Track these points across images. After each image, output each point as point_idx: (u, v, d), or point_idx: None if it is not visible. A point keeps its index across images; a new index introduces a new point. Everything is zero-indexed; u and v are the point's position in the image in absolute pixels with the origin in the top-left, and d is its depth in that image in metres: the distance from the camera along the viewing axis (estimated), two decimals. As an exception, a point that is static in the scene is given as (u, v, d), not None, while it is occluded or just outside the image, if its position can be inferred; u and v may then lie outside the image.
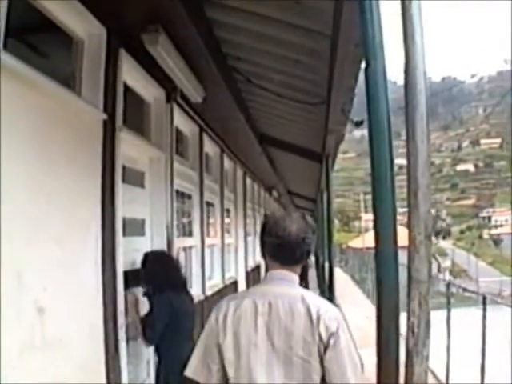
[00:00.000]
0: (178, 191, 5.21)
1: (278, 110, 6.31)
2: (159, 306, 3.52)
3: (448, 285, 8.62)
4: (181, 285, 3.76)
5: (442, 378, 7.34)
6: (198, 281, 6.07)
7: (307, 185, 14.03)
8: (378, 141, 1.99)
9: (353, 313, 10.72)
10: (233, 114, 6.04)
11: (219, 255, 7.71)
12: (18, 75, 2.31)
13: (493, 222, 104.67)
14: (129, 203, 3.79)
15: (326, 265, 9.07)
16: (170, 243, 4.53)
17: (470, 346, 6.97)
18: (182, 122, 5.40)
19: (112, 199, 3.29)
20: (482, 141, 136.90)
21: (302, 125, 6.75)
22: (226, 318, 1.97)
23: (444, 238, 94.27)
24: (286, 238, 2.00)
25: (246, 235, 10.71)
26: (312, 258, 17.06)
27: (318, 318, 1.90)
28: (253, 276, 11.36)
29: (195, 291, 5.81)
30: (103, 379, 3.07)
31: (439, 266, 50.96)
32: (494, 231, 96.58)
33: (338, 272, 21.17)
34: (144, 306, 3.70)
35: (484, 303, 6.80)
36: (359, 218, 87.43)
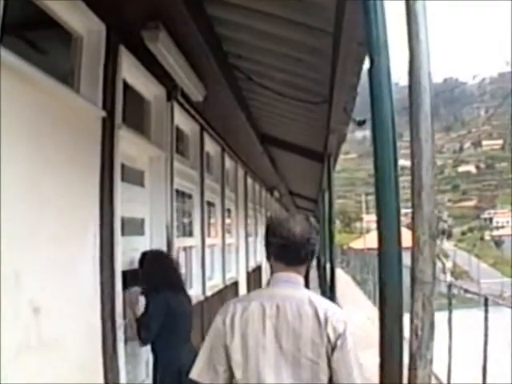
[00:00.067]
0: (178, 191, 5.18)
1: (280, 109, 6.28)
2: (155, 306, 3.48)
3: (449, 286, 8.61)
4: (178, 285, 3.72)
5: (444, 378, 7.31)
6: (198, 281, 6.04)
7: (309, 185, 14.01)
8: (382, 141, 1.97)
9: (354, 313, 10.68)
10: (234, 113, 6.01)
11: (220, 255, 7.68)
12: (16, 72, 2.28)
13: (494, 224, 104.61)
14: (128, 202, 3.76)
15: (328, 265, 9.04)
16: (169, 243, 4.51)
17: (471, 347, 6.97)
18: (182, 120, 5.37)
19: (111, 198, 3.26)
20: (484, 142, 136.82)
21: (303, 124, 6.72)
22: (233, 320, 1.99)
23: (448, 237, 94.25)
24: (290, 239, 2.02)
25: (247, 235, 10.69)
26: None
27: (326, 320, 1.93)
28: (254, 276, 11.34)
29: (195, 291, 5.79)
30: (101, 379, 3.06)
31: (444, 268, 50.76)
32: (495, 233, 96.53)
33: (340, 273, 21.16)
34: (142, 306, 3.67)
35: (486, 305, 6.78)
36: (361, 219, 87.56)
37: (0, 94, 2.10)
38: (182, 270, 5.06)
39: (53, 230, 2.61)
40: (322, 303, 2.00)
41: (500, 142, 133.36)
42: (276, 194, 16.11)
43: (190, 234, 6.06)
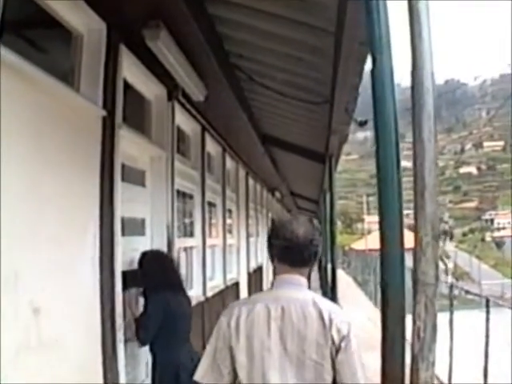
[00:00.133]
0: (179, 191, 5.16)
1: (281, 109, 6.26)
2: (154, 306, 3.46)
3: (451, 287, 8.62)
4: (178, 285, 3.70)
5: (445, 379, 7.30)
6: (198, 281, 6.02)
7: (310, 186, 14.00)
8: (385, 142, 1.96)
9: (355, 314, 10.66)
10: (235, 113, 6.00)
11: (221, 256, 7.66)
12: (15, 70, 2.26)
13: (495, 225, 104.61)
14: (128, 202, 3.74)
15: (329, 266, 9.03)
16: (170, 243, 4.49)
17: (471, 347, 6.98)
18: (183, 120, 5.36)
19: (111, 198, 3.24)
20: (485, 143, 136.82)
21: (304, 124, 6.70)
22: (238, 322, 2.00)
23: (451, 239, 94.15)
24: (293, 240, 2.04)
25: (248, 236, 10.67)
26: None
27: (331, 322, 1.95)
28: (255, 277, 11.31)
29: (196, 292, 5.77)
30: (100, 379, 3.04)
31: (446, 269, 50.57)
32: (496, 234, 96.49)
33: (341, 274, 21.13)
34: (141, 306, 3.65)
35: (487, 306, 6.78)
36: (362, 220, 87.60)
37: (0, 93, 2.09)
38: (183, 271, 5.05)
39: (53, 230, 2.59)
40: (326, 305, 2.02)
41: (501, 143, 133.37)
42: (277, 194, 16.11)
43: (191, 235, 6.04)
